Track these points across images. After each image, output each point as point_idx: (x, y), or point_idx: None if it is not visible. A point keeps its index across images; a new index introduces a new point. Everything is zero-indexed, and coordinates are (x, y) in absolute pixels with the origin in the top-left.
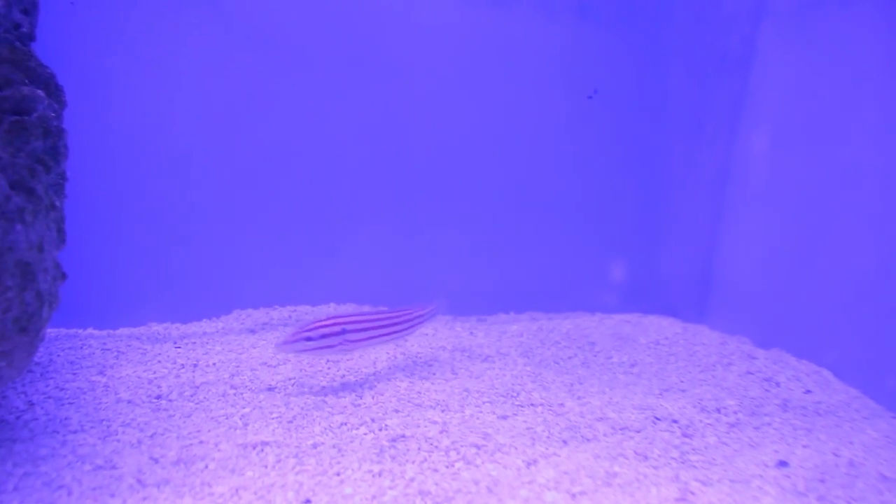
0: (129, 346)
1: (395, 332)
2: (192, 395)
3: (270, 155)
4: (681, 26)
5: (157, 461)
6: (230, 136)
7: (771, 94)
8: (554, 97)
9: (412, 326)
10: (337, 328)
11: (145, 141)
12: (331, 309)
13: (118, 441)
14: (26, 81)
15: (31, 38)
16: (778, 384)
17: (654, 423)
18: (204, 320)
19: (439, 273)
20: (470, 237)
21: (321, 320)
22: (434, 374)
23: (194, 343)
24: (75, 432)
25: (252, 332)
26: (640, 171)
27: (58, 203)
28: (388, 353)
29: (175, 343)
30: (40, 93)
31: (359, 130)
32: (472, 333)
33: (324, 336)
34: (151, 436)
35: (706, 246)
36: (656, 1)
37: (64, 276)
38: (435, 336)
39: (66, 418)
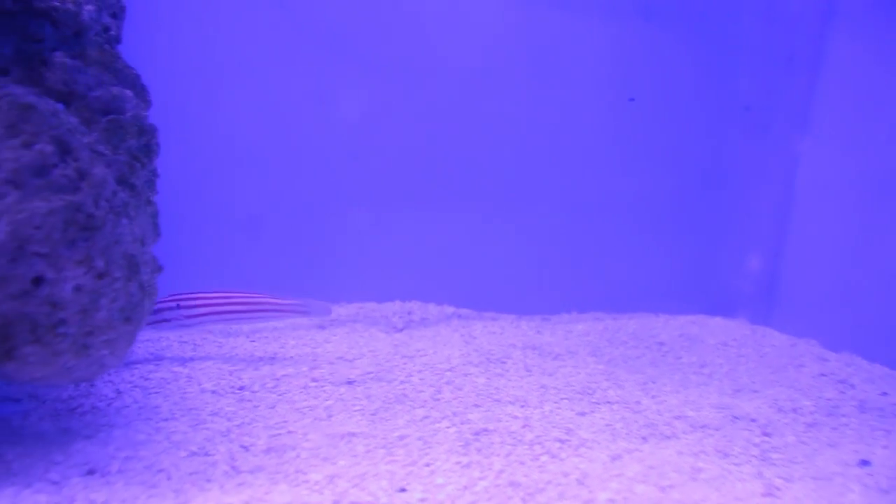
0: (204, 339)
1: (245, 316)
2: (274, 387)
3: (333, 154)
4: (748, 26)
5: (247, 449)
6: (297, 136)
7: (839, 93)
8: (621, 97)
9: (267, 314)
10: (172, 303)
11: (216, 139)
12: (396, 306)
13: (208, 429)
14: (115, 82)
15: (117, 40)
16: (853, 386)
17: (733, 421)
18: None
19: (503, 272)
20: (534, 237)
21: (162, 298)
22: (508, 370)
23: (266, 337)
24: (167, 420)
25: (321, 328)
26: (704, 171)
27: (152, 198)
28: (460, 350)
29: (247, 337)
30: (129, 93)
31: (423, 131)
32: (538, 332)
33: (158, 311)
34: (239, 425)
35: (772, 247)
36: (723, 1)
37: (160, 268)
38: (503, 334)
39: (156, 406)
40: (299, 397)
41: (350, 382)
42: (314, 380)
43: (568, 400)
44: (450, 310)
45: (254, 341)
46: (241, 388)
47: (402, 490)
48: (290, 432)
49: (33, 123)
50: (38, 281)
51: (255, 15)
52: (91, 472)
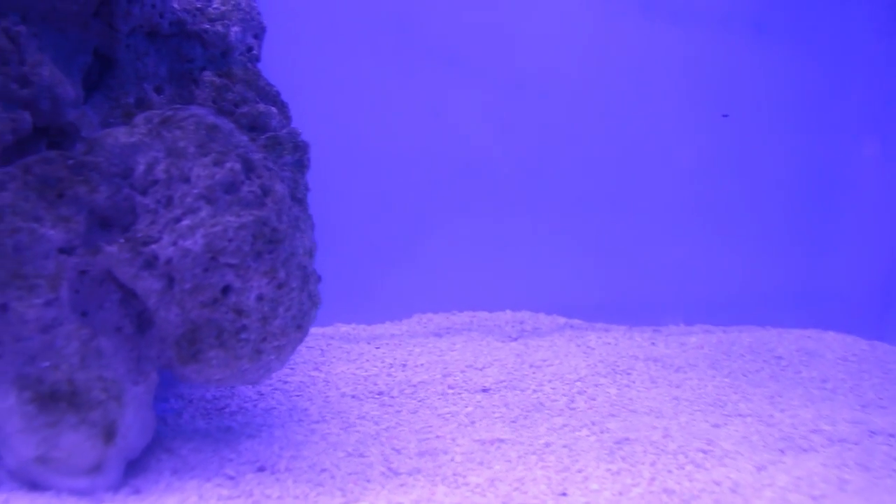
0: (329, 344)
1: None
2: (412, 393)
3: (442, 164)
4: (863, 37)
5: (399, 452)
6: (408, 148)
7: None
8: (732, 105)
9: None
10: None
11: (330, 150)
12: (507, 316)
13: (358, 432)
14: (258, 99)
15: (258, 59)
16: None
17: (870, 436)
18: (387, 323)
19: (611, 282)
20: (642, 248)
21: None
22: (634, 381)
23: (387, 344)
24: (318, 422)
25: (438, 335)
26: (816, 181)
27: (309, 211)
28: (585, 361)
29: (368, 343)
30: (273, 110)
31: (529, 143)
32: (653, 343)
33: None
34: (386, 429)
35: (888, 259)
36: (840, 14)
37: (319, 278)
38: (618, 345)
39: (304, 409)
40: (439, 403)
41: (485, 390)
42: (450, 387)
43: (701, 412)
44: (561, 320)
45: (378, 347)
46: (381, 394)
47: (564, 494)
48: (438, 437)
49: (220, 143)
50: (227, 290)
51: (367, 31)
52: (262, 469)
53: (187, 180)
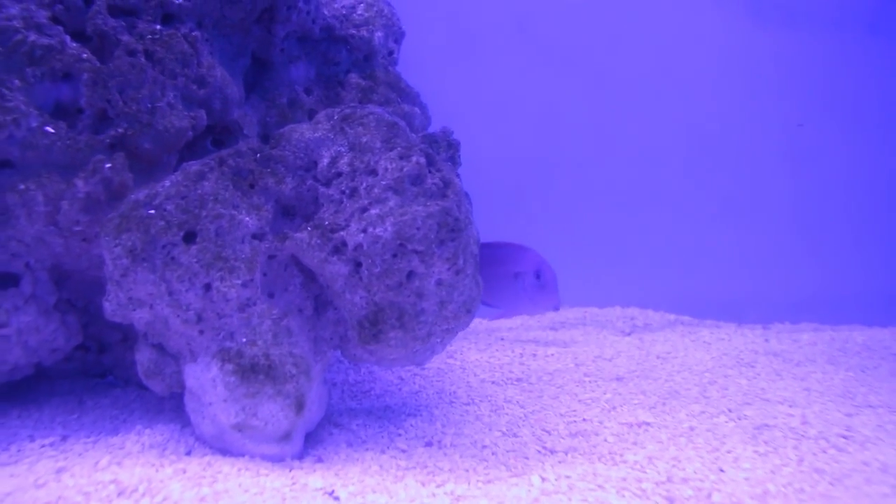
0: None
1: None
2: (550, 380)
3: (555, 162)
4: None
5: (549, 433)
6: (530, 144)
7: None
8: (847, 104)
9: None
10: None
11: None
12: (617, 312)
13: (507, 414)
14: (400, 100)
15: (396, 62)
16: None
17: None
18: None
19: (719, 280)
20: (751, 248)
21: None
22: (759, 374)
23: (508, 335)
24: (468, 404)
25: (553, 328)
26: None
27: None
28: (708, 354)
29: (489, 335)
30: (417, 110)
31: (641, 141)
32: (766, 340)
33: None
34: (532, 412)
35: None
36: None
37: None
38: (732, 341)
39: (452, 392)
40: (578, 390)
41: (619, 379)
42: (585, 375)
43: (832, 402)
44: (670, 316)
45: (501, 338)
46: (520, 380)
47: (721, 471)
48: (585, 420)
49: (402, 138)
50: (411, 275)
51: (490, 33)
52: (429, 444)
53: (373, 173)
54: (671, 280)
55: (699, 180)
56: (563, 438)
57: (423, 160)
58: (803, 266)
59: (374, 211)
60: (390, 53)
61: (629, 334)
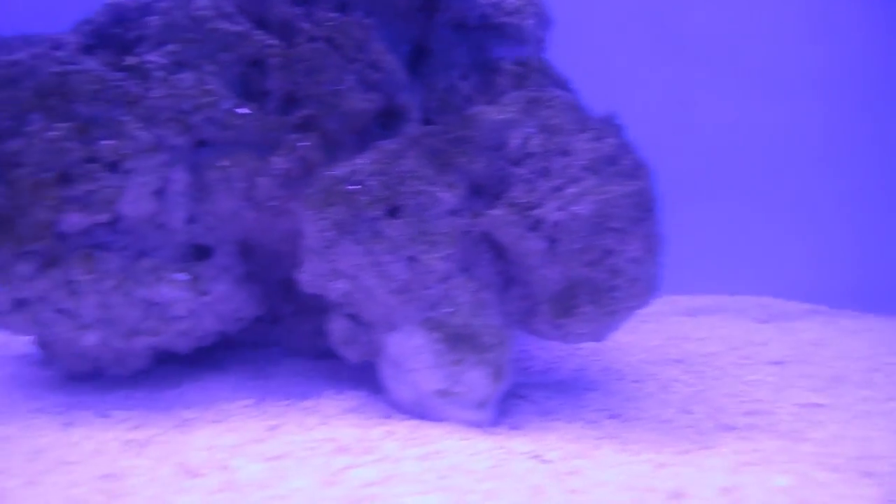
0: None
1: None
2: (708, 362)
3: (689, 152)
4: None
5: (722, 411)
6: (663, 134)
7: None
8: None
9: None
10: None
11: None
12: (749, 300)
13: (676, 392)
14: (552, 87)
15: (544, 50)
16: None
17: None
18: None
19: (852, 271)
20: (886, 236)
21: None
22: None
23: (650, 320)
24: (637, 382)
25: (690, 315)
26: None
27: None
28: (861, 342)
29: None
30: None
31: (771, 130)
32: None
33: None
34: (700, 391)
35: None
36: None
37: None
38: (882, 332)
39: (618, 370)
40: (740, 372)
41: (778, 363)
42: (743, 358)
43: None
44: (805, 306)
45: (644, 322)
46: (679, 362)
47: None
48: (756, 400)
49: (593, 120)
50: (608, 251)
51: (622, 26)
52: (614, 417)
53: (567, 153)
54: (796, 269)
55: (851, 173)
56: (738, 416)
57: (616, 141)
58: None
59: (571, 189)
60: (540, 41)
61: (767, 322)
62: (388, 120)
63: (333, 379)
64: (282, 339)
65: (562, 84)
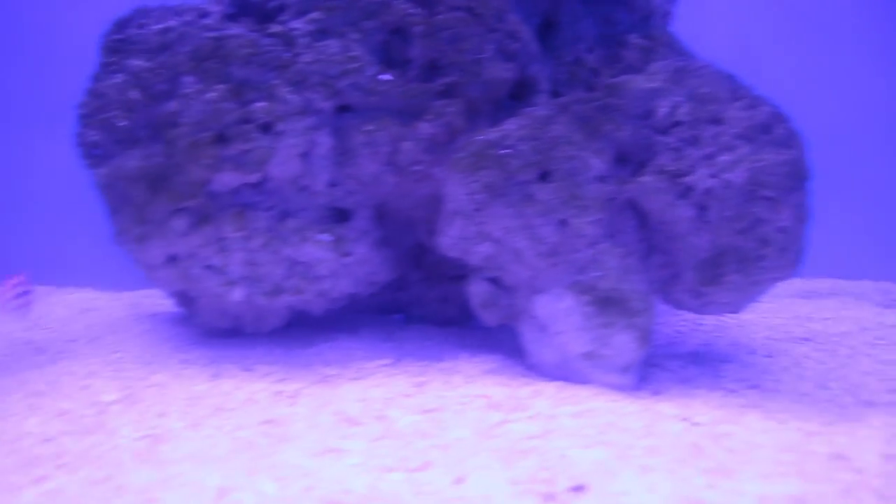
0: None
1: None
2: (840, 341)
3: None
4: None
5: (860, 387)
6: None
7: None
8: None
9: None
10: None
11: None
12: (867, 284)
13: (809, 368)
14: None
15: (669, 23)
16: None
17: None
18: None
19: None
20: None
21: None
22: None
23: (763, 300)
24: (768, 357)
25: (804, 297)
26: None
27: None
28: None
29: None
30: None
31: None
32: None
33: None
34: (833, 368)
35: None
36: None
37: None
38: None
39: (746, 345)
40: (873, 352)
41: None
42: (877, 338)
43: None
44: None
45: (760, 302)
46: (807, 340)
47: None
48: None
49: (745, 89)
50: (759, 220)
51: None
52: (754, 387)
53: (719, 121)
54: None
55: None
56: (879, 394)
57: (768, 110)
58: None
59: (723, 157)
60: (666, 15)
61: (889, 307)
62: (519, 90)
63: (462, 345)
64: (407, 306)
65: (688, 58)
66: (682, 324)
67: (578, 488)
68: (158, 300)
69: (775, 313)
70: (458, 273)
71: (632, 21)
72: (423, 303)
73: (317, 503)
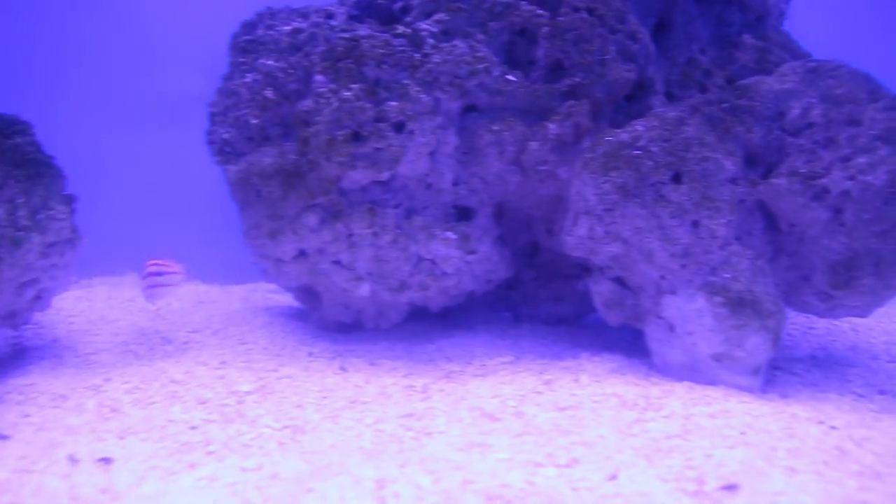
0: None
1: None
2: None
3: None
4: None
5: None
6: None
7: None
8: None
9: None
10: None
11: None
12: None
13: None
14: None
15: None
16: None
17: None
18: None
19: None
20: None
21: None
22: None
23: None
24: (891, 363)
25: None
26: None
27: None
28: None
29: None
30: None
31: None
32: None
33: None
34: None
35: None
36: None
37: None
38: None
39: (866, 350)
40: None
41: None
42: None
43: None
44: None
45: None
46: None
47: None
48: None
49: (884, 90)
50: None
51: None
52: (882, 393)
53: (856, 123)
54: None
55: None
56: None
57: None
58: None
59: (861, 159)
60: (781, 14)
61: None
62: (635, 91)
63: (578, 344)
64: (517, 304)
65: (803, 58)
66: (792, 327)
67: (731, 487)
68: (268, 294)
69: (891, 318)
70: (573, 273)
71: (745, 21)
72: (535, 301)
73: (476, 497)
